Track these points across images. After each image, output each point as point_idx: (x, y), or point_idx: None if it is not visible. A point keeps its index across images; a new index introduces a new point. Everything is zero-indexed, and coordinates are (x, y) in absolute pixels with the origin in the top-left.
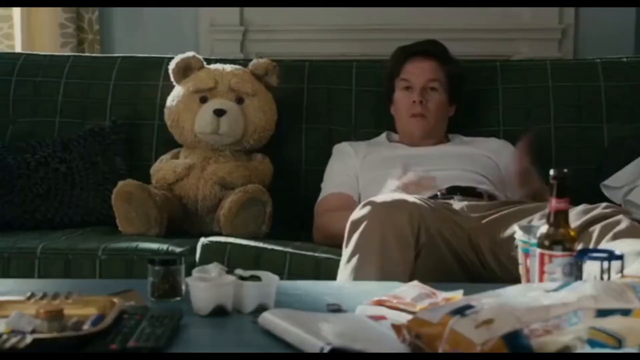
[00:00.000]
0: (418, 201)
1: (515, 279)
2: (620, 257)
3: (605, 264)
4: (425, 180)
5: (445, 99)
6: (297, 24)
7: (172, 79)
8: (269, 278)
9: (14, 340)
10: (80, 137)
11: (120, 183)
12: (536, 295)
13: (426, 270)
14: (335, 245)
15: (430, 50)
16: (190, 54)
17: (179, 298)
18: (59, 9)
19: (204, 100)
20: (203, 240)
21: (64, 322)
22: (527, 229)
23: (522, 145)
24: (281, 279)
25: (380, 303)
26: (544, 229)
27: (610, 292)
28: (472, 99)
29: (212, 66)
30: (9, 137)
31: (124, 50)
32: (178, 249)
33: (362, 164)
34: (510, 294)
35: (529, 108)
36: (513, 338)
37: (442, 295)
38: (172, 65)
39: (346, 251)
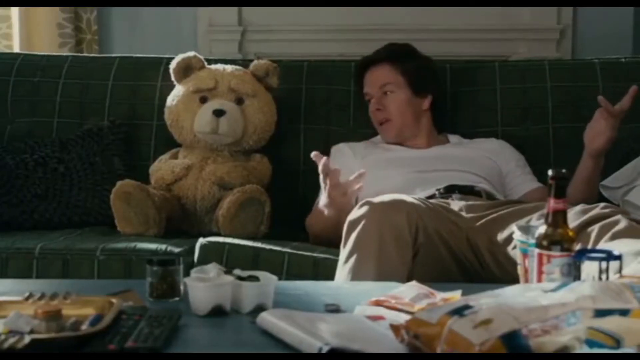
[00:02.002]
0: (416, 201)
1: (513, 279)
2: (618, 257)
3: (604, 264)
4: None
5: (407, 95)
6: (296, 24)
7: (172, 78)
8: (267, 278)
9: (12, 340)
10: (79, 137)
11: (119, 183)
12: (534, 296)
13: (424, 270)
14: (326, 242)
15: (381, 55)
16: (191, 53)
17: (177, 298)
18: (57, 9)
19: (203, 100)
20: (201, 240)
21: (62, 322)
22: (526, 229)
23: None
24: (279, 279)
25: (378, 303)
26: (542, 229)
27: (608, 292)
28: (471, 99)
29: (213, 66)
30: (7, 137)
31: (122, 51)
32: (176, 249)
33: (361, 165)
34: (508, 294)
35: (527, 108)
36: (511, 338)
37: (440, 296)
38: (172, 65)
39: (344, 251)
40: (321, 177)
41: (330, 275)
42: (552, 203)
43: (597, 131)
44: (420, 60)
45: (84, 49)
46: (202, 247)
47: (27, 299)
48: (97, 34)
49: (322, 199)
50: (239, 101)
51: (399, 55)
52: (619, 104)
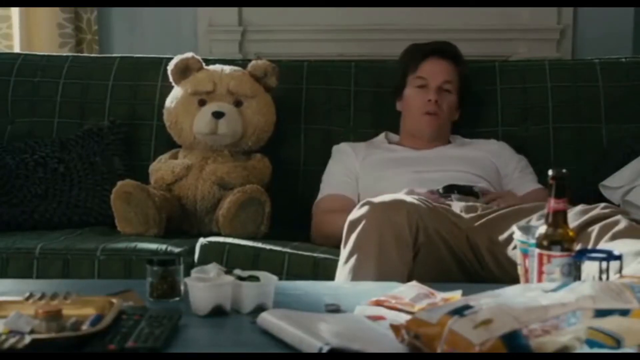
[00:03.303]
0: (416, 201)
1: (513, 279)
2: (618, 257)
3: (604, 264)
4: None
5: (455, 101)
6: (296, 24)
7: (170, 79)
8: (268, 278)
9: (12, 340)
10: (79, 137)
11: (119, 183)
12: (535, 296)
13: (424, 270)
14: (332, 245)
15: (446, 50)
16: (189, 54)
17: (177, 298)
18: (57, 9)
19: (202, 103)
20: (202, 240)
21: (62, 322)
22: (526, 229)
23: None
24: (280, 279)
25: (378, 303)
26: (542, 229)
27: (608, 292)
28: (471, 99)
29: (211, 67)
30: (8, 137)
31: (122, 51)
32: (177, 249)
33: (362, 165)
34: (508, 294)
35: (528, 108)
36: (512, 338)
37: (440, 296)
38: (170, 66)
39: (344, 251)
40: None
41: (330, 275)
42: (552, 203)
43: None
44: (468, 70)
45: (84, 49)
46: (203, 247)
47: (27, 299)
48: (97, 34)
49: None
50: (238, 103)
51: (460, 57)
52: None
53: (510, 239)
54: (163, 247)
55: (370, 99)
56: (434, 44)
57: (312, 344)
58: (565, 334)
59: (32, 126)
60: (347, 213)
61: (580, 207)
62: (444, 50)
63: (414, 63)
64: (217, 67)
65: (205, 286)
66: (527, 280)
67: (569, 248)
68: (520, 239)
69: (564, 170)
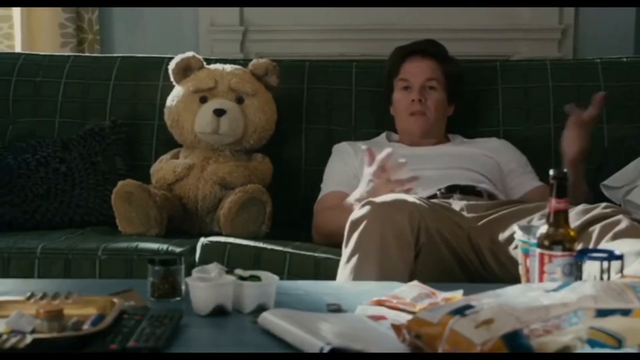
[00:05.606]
0: (417, 201)
1: (515, 279)
2: (620, 257)
3: (605, 264)
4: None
5: (444, 97)
6: (297, 24)
7: (171, 79)
8: (269, 278)
9: (13, 340)
10: (80, 137)
11: (120, 183)
12: (536, 295)
13: (426, 270)
14: (333, 243)
15: (428, 49)
16: (190, 53)
17: (178, 298)
18: (59, 9)
19: (203, 100)
20: (203, 240)
21: (63, 322)
22: (527, 229)
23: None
24: (281, 278)
25: (380, 303)
26: (543, 229)
27: (610, 292)
28: (472, 99)
29: (212, 66)
30: (9, 137)
31: (123, 51)
32: (178, 249)
33: (362, 164)
34: (510, 294)
35: (529, 108)
36: (513, 338)
37: (441, 295)
38: (171, 66)
39: (346, 251)
40: (373, 169)
41: (331, 275)
42: (553, 203)
43: (569, 142)
44: (458, 67)
45: (85, 48)
46: (204, 246)
47: (28, 298)
48: (98, 33)
49: (362, 192)
50: (239, 100)
51: (444, 55)
52: (586, 112)
53: (511, 238)
54: (164, 246)
55: (372, 99)
56: (414, 44)
57: (313, 344)
58: (567, 333)
59: (34, 126)
60: (344, 209)
61: (581, 207)
62: (424, 49)
63: (396, 65)
64: (218, 65)
65: (206, 286)
66: (528, 280)
67: (570, 248)
68: (522, 239)
69: (565, 170)
